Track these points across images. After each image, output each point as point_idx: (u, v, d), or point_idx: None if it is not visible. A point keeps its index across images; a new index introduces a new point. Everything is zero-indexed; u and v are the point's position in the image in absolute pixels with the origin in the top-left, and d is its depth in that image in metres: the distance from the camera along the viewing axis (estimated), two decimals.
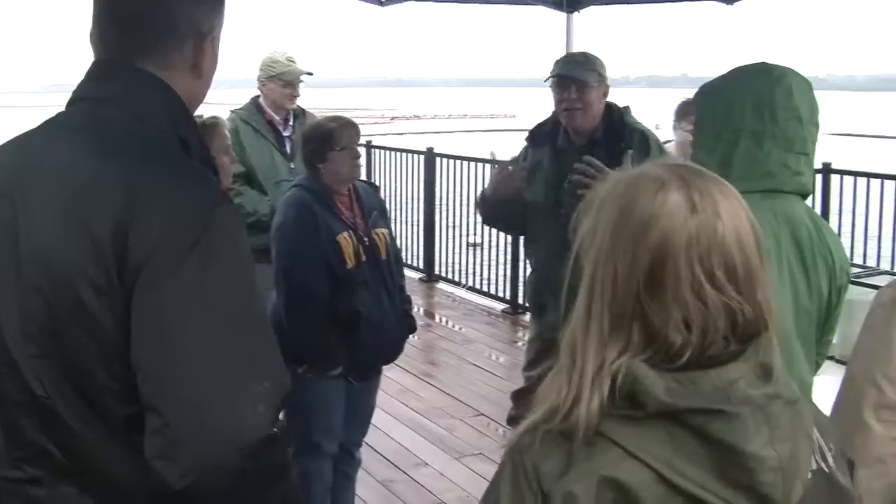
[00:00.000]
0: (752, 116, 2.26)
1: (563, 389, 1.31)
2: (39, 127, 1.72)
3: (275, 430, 1.50)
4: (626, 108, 4.11)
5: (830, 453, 1.38)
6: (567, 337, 1.35)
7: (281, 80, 5.24)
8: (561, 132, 4.09)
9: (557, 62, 4.16)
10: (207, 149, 1.78)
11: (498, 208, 4.21)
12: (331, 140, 3.84)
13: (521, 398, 4.09)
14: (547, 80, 4.10)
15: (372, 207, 4.03)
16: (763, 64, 2.36)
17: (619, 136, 3.93)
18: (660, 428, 1.26)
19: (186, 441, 1.44)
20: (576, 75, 3.96)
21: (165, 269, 1.48)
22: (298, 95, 5.35)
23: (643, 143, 3.91)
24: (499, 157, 4.30)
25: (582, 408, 1.27)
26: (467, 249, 9.67)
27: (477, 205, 4.55)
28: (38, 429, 1.58)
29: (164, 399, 1.46)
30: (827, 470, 1.36)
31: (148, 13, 1.69)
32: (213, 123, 3.78)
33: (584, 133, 4.00)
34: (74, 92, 1.72)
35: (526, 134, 4.29)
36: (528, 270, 8.27)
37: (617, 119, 4.02)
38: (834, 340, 3.28)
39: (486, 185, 4.34)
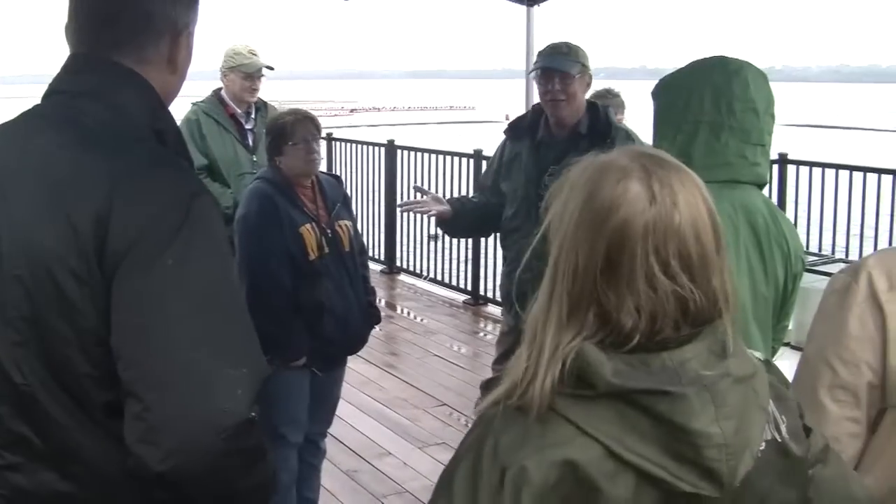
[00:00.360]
0: (711, 108, 2.31)
1: (523, 366, 1.38)
2: (16, 119, 1.73)
3: (252, 414, 1.53)
4: (608, 108, 4.12)
5: (784, 424, 1.44)
6: (531, 316, 1.41)
7: (241, 72, 5.23)
8: (542, 125, 4.07)
9: (541, 53, 4.16)
10: (183, 141, 1.80)
11: (454, 227, 4.31)
12: (285, 135, 3.86)
13: (491, 389, 4.11)
14: (531, 72, 4.12)
15: (335, 199, 4.04)
16: (721, 57, 2.42)
17: (605, 132, 3.94)
18: (610, 407, 1.31)
19: (167, 425, 1.47)
20: (558, 66, 3.95)
21: (146, 259, 1.51)
22: (258, 89, 5.34)
23: (629, 141, 3.90)
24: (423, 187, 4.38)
25: (537, 385, 1.33)
26: (428, 241, 9.70)
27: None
28: (17, 416, 1.60)
29: (145, 385, 1.48)
30: (780, 440, 1.42)
31: (124, 8, 1.71)
32: None
33: (567, 125, 4.00)
34: (51, 85, 1.73)
35: (498, 127, 4.30)
36: (488, 261, 8.33)
37: (603, 116, 4.02)
38: (790, 327, 3.33)
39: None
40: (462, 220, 4.23)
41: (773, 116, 2.39)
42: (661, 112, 2.44)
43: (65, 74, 1.73)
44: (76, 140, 1.61)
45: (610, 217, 1.34)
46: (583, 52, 4.03)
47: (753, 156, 2.34)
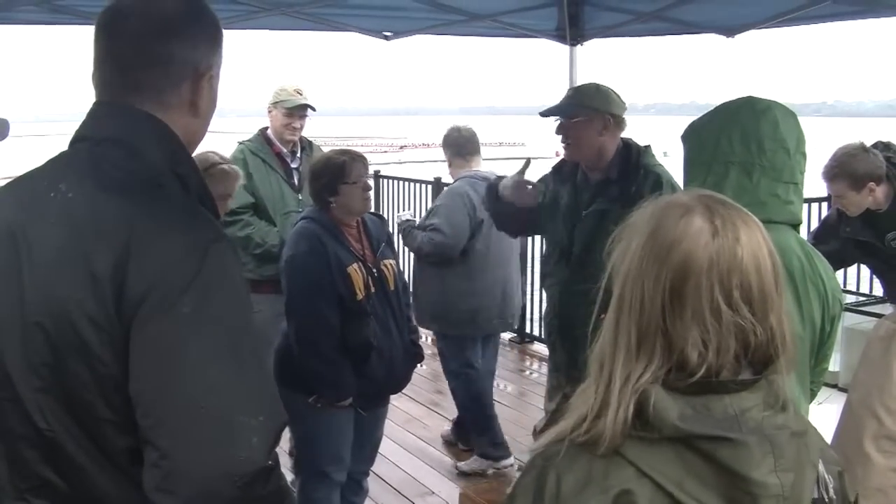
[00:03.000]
0: (741, 149, 2.30)
1: (591, 399, 1.39)
2: (43, 166, 1.75)
3: (270, 461, 1.53)
4: (647, 148, 3.94)
5: (832, 485, 1.45)
6: (596, 350, 1.43)
7: (283, 108, 5.27)
8: (580, 168, 3.99)
9: None
10: (206, 186, 1.80)
11: (510, 215, 4.24)
12: (342, 174, 3.89)
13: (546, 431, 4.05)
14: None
15: (380, 239, 4.07)
16: (748, 98, 2.41)
17: (633, 178, 3.78)
18: (672, 450, 1.33)
19: (183, 473, 1.47)
20: (555, 112, 3.91)
21: (163, 306, 1.51)
22: (298, 128, 5.36)
23: (656, 186, 3.69)
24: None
25: (609, 417, 1.35)
26: None
27: (483, 201, 4.53)
28: (42, 461, 1.61)
29: (162, 433, 1.49)
30: (827, 500, 1.44)
31: (145, 54, 1.72)
32: (232, 171, 3.93)
33: (597, 168, 3.90)
34: (77, 131, 1.75)
35: (548, 163, 4.20)
36: (534, 300, 8.28)
37: (634, 160, 3.85)
38: (837, 369, 3.25)
39: (503, 185, 4.20)
40: (525, 212, 4.15)
41: (804, 155, 2.36)
42: (690, 155, 2.42)
43: (89, 121, 1.75)
44: (96, 186, 1.62)
45: (673, 250, 1.37)
46: (598, 95, 3.88)
47: (786, 194, 2.32)
